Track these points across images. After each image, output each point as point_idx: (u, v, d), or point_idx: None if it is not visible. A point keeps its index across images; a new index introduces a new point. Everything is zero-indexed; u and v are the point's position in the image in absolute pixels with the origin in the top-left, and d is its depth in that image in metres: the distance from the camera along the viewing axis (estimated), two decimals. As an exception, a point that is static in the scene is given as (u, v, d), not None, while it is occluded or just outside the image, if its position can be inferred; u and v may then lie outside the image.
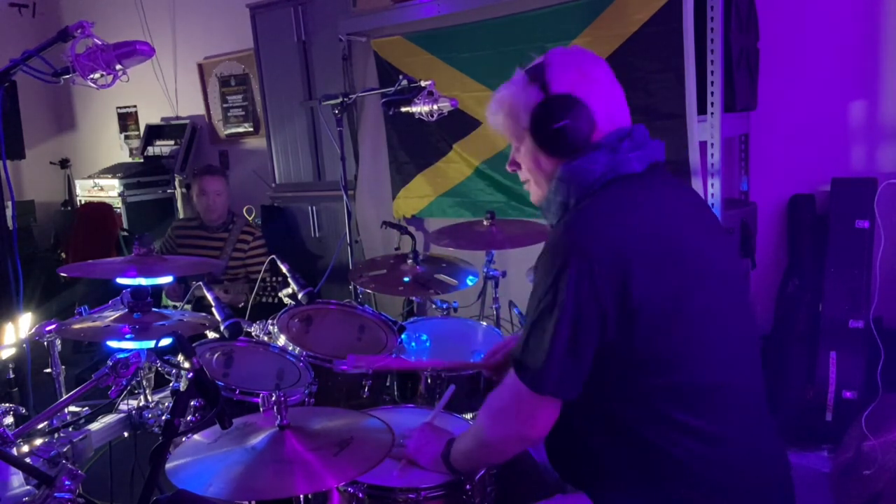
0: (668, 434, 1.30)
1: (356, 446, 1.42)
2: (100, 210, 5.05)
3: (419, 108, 2.41)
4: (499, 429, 1.42)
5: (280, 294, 2.41)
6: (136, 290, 1.88)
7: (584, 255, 1.24)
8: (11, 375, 2.30)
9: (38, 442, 1.71)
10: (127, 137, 6.11)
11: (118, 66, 1.71)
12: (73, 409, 1.90)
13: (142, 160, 5.57)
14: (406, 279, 2.52)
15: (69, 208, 5.97)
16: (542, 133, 1.37)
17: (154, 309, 1.91)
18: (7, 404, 1.82)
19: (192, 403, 1.80)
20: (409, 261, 2.56)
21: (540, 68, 1.39)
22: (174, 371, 1.95)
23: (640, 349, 1.27)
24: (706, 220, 1.46)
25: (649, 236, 1.28)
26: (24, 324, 2.01)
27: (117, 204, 5.16)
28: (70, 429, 1.84)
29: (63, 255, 5.24)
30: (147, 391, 2.00)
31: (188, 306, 2.98)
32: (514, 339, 1.75)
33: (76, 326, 1.89)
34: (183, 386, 1.89)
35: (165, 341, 1.66)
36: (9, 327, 2.03)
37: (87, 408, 1.94)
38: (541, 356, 1.28)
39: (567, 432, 1.39)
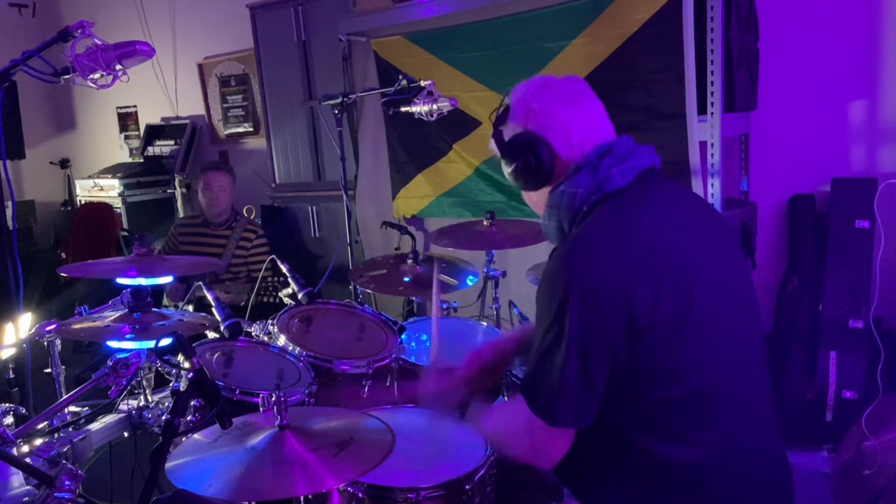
0: (668, 445, 1.29)
1: (356, 447, 1.42)
2: (100, 210, 5.04)
3: (419, 108, 2.41)
4: (513, 450, 1.46)
5: (280, 294, 2.41)
6: (136, 290, 1.88)
7: (585, 284, 1.24)
8: (11, 375, 2.30)
9: (38, 442, 1.71)
10: (127, 137, 6.11)
11: (118, 67, 1.71)
12: (73, 409, 1.89)
13: (142, 160, 5.57)
14: (406, 279, 2.52)
15: (69, 208, 5.97)
16: (511, 176, 1.45)
17: (154, 309, 1.91)
18: (7, 404, 1.82)
19: (192, 403, 1.80)
20: (409, 261, 2.56)
21: (501, 116, 1.46)
22: (174, 371, 1.95)
23: (644, 364, 1.26)
24: (705, 223, 1.45)
25: (646, 253, 1.27)
26: (24, 324, 2.01)
27: (117, 204, 5.16)
28: (70, 429, 1.84)
29: (63, 255, 5.24)
30: (147, 391, 2.00)
31: (189, 306, 2.98)
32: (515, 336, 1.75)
33: (76, 326, 1.88)
34: (183, 386, 1.89)
35: (165, 341, 1.66)
36: (9, 327, 2.03)
37: (87, 408, 1.93)
38: (552, 389, 1.27)
39: None
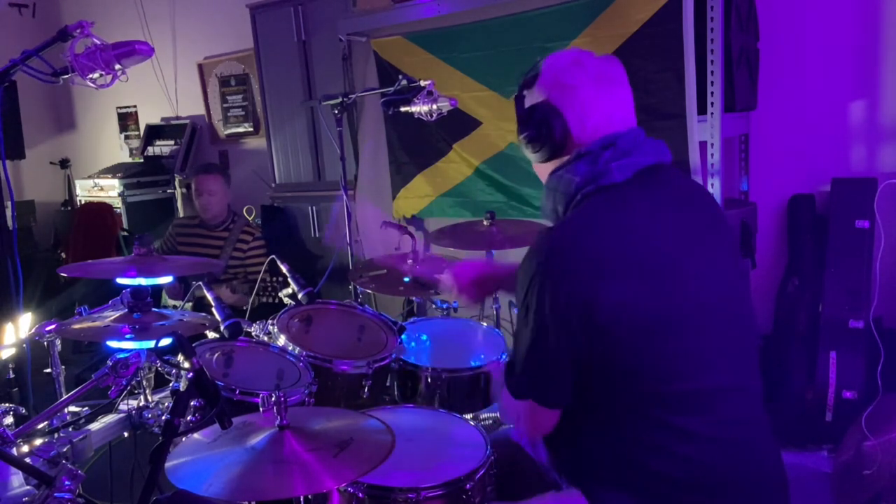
0: (662, 437, 1.30)
1: (356, 447, 1.42)
2: (100, 210, 5.04)
3: (419, 108, 2.40)
4: (510, 420, 1.55)
5: (280, 294, 2.41)
6: (136, 289, 1.88)
7: (552, 267, 1.28)
8: (11, 375, 2.30)
9: (38, 442, 1.71)
10: (127, 137, 6.11)
11: (117, 66, 1.71)
12: (73, 409, 1.89)
13: (142, 160, 5.57)
14: (406, 279, 2.51)
15: (69, 208, 5.97)
16: (521, 142, 1.46)
17: (154, 309, 1.91)
18: (7, 404, 1.82)
19: (192, 403, 1.80)
20: (409, 261, 2.56)
21: (529, 79, 1.46)
22: (174, 371, 1.95)
23: (629, 361, 1.28)
24: (702, 222, 1.44)
25: (624, 252, 1.29)
26: (24, 324, 2.01)
27: (117, 204, 5.16)
28: (70, 429, 1.83)
29: (63, 255, 5.24)
30: (147, 391, 2.00)
31: (189, 305, 2.98)
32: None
33: (76, 326, 1.88)
34: (183, 386, 1.89)
35: (165, 341, 1.66)
36: (9, 327, 2.03)
37: (87, 408, 1.93)
38: (519, 361, 1.34)
39: (565, 429, 1.40)
